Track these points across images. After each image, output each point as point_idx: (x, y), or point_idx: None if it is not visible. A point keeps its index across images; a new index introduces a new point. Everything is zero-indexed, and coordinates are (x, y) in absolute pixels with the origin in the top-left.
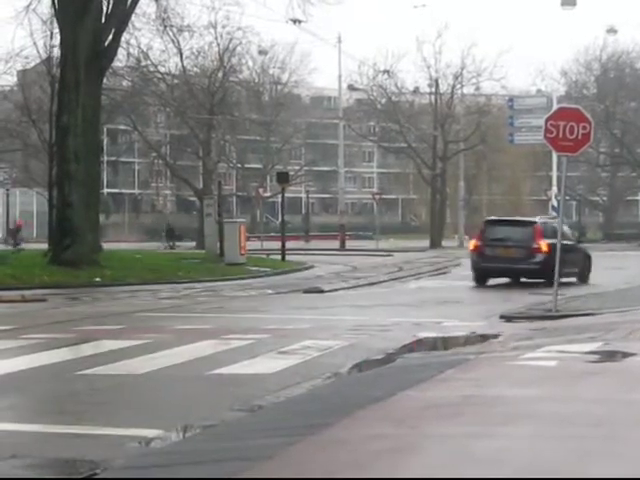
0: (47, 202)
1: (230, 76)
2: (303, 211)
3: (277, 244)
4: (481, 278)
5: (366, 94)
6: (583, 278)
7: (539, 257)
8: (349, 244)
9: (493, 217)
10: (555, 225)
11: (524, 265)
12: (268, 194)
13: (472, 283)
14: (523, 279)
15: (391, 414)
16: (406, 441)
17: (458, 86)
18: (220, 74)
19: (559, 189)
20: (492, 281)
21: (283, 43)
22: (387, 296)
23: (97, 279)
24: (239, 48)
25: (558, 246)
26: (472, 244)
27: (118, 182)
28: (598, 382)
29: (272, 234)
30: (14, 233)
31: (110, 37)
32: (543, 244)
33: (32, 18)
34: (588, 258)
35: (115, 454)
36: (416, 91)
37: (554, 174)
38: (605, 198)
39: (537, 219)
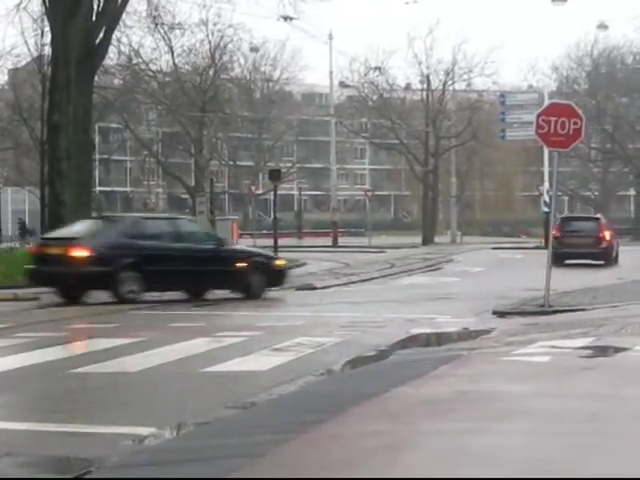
0: (39, 200)
1: (221, 73)
2: (295, 208)
3: (270, 241)
4: (559, 260)
5: (357, 91)
6: (617, 260)
7: (604, 244)
8: (341, 241)
9: (567, 214)
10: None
11: (592, 250)
12: (260, 191)
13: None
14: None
15: (385, 410)
16: (400, 437)
17: (449, 82)
18: (211, 72)
19: (551, 185)
20: (487, 276)
21: (274, 40)
22: (380, 292)
23: None
24: (230, 45)
25: (550, 238)
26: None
27: (110, 180)
28: (591, 377)
29: (264, 231)
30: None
31: (101, 35)
32: (607, 234)
33: (23, 16)
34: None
35: (109, 452)
36: (407, 88)
37: (546, 170)
38: (597, 193)
39: (599, 216)
